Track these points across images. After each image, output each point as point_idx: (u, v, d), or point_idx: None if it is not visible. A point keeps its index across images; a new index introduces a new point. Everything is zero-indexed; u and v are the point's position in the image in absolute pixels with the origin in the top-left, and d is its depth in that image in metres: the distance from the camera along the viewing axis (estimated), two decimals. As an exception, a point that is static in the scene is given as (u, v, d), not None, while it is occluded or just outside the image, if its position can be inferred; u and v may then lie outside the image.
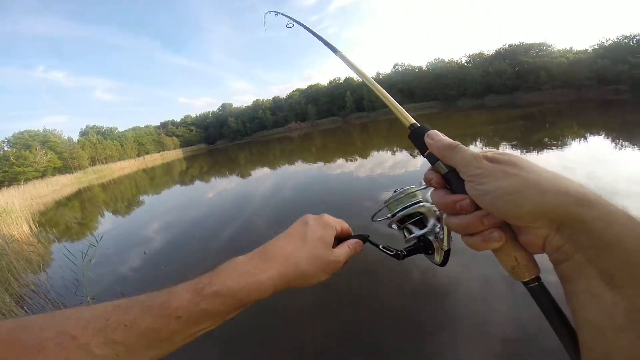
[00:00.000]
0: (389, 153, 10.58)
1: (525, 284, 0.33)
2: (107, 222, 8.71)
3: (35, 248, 5.31)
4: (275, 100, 69.20)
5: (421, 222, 0.48)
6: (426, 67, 48.57)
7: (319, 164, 11.00)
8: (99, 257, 4.21)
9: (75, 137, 52.25)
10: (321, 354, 2.14)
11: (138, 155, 58.41)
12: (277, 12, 1.02)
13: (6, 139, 40.10)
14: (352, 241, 0.50)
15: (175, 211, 8.18)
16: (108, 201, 13.81)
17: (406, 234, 0.49)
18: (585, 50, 30.11)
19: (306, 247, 0.44)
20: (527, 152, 7.18)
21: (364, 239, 0.51)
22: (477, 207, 0.33)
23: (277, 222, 5.20)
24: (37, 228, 6.95)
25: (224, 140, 67.63)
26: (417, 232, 0.47)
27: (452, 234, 0.42)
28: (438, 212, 0.47)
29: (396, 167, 7.64)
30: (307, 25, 0.81)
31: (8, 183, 28.68)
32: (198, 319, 0.35)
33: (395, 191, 0.50)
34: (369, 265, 2.94)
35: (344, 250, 0.47)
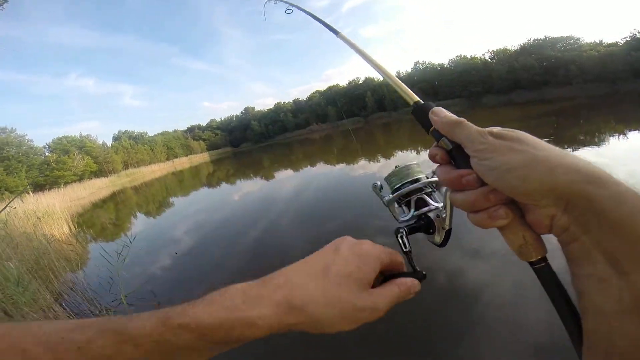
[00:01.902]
0: (413, 153, 10.35)
1: (532, 264, 0.32)
2: (139, 223, 9.09)
3: (73, 248, 5.62)
4: (296, 102, 69.83)
5: (422, 200, 0.45)
6: (448, 64, 47.10)
7: (341, 165, 10.93)
8: (132, 257, 4.35)
9: (108, 142, 55.11)
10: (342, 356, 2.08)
11: (167, 159, 60.75)
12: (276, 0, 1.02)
13: (47, 144, 42.73)
14: (404, 281, 0.37)
15: (203, 212, 8.39)
16: (140, 203, 14.42)
17: (405, 211, 0.47)
18: (617, 42, 28.51)
19: (325, 284, 0.33)
20: (561, 149, 6.72)
21: (421, 277, 0.39)
22: (483, 184, 0.31)
23: (301, 223, 5.20)
24: (75, 229, 7.34)
25: (248, 143, 69.07)
26: (418, 210, 0.45)
27: (456, 213, 0.40)
28: (442, 189, 0.44)
29: (421, 166, 7.44)
30: (307, 10, 0.80)
31: (49, 186, 30.52)
32: (164, 350, 0.29)
33: (396, 167, 0.48)
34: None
35: (388, 293, 0.35)
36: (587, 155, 5.92)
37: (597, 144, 6.91)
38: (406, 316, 2.27)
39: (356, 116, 55.09)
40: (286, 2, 0.92)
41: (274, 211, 6.38)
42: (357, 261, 0.35)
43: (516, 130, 0.31)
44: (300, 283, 0.33)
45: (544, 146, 0.29)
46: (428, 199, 0.45)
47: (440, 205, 0.44)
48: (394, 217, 0.49)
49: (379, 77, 0.50)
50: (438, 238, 0.44)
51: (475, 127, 0.33)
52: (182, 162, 55.81)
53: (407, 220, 0.46)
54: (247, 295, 0.32)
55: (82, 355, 0.28)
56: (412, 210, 0.45)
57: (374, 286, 0.36)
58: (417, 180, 0.45)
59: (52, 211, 7.36)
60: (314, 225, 4.94)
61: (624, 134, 7.46)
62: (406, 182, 0.46)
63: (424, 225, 0.44)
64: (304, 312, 0.32)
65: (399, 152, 11.05)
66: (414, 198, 0.46)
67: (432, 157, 0.37)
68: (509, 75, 35.93)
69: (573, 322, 0.29)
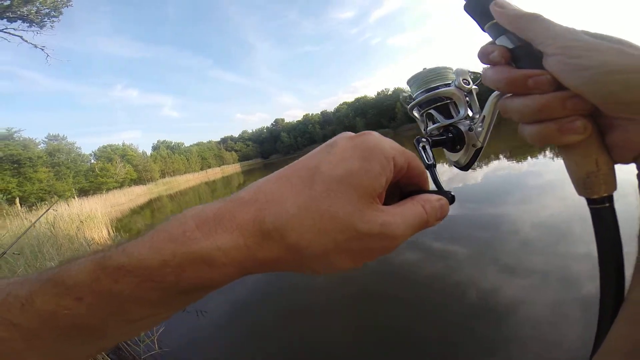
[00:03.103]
0: (444, 166, 10.00)
1: (594, 202, 0.25)
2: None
3: (111, 250, 5.89)
4: (324, 114, 70.86)
5: (448, 109, 0.37)
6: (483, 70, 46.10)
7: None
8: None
9: (148, 151, 58.54)
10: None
11: (201, 169, 63.41)
12: None
13: (93, 152, 46.13)
14: (430, 197, 0.25)
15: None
16: (174, 210, 15.04)
17: (427, 124, 0.39)
18: None
19: (311, 196, 0.21)
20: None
21: (450, 198, 0.27)
22: (559, 89, 0.24)
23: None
24: (114, 232, 7.75)
25: (278, 154, 70.76)
26: (447, 119, 0.36)
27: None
28: (474, 101, 0.37)
29: (453, 180, 7.14)
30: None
31: (93, 192, 32.66)
32: (109, 303, 0.20)
33: (424, 68, 0.39)
34: (418, 282, 2.67)
35: (409, 212, 0.23)
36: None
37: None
38: (433, 330, 2.13)
39: (385, 128, 54.69)
40: None
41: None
42: (358, 160, 0.22)
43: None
44: (276, 197, 0.22)
45: None
46: (462, 105, 0.37)
47: (476, 115, 0.36)
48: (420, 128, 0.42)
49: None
50: (464, 158, 0.36)
51: (558, 23, 0.25)
52: (215, 173, 57.93)
53: (430, 132, 0.38)
54: (201, 218, 0.21)
55: (25, 313, 0.21)
56: (441, 118, 0.38)
57: (386, 204, 0.24)
58: (448, 84, 0.37)
59: (93, 215, 7.84)
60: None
61: None
62: (435, 87, 0.37)
63: (450, 138, 0.36)
64: (281, 240, 0.21)
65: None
66: (438, 105, 0.38)
67: (485, 55, 0.28)
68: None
69: (613, 300, 0.24)
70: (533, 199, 4.45)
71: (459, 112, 0.37)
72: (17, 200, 6.55)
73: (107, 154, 45.64)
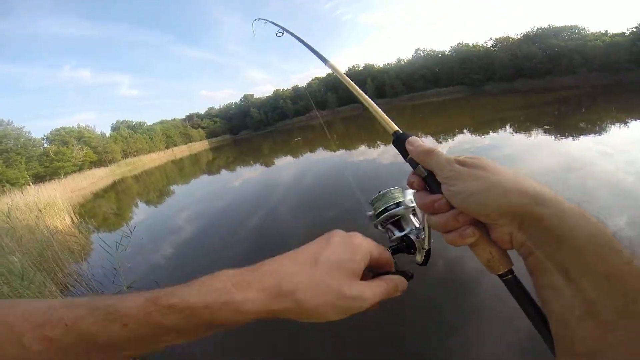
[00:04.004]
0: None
1: (500, 276, 0.35)
2: (140, 213, 9.13)
3: (76, 239, 5.64)
4: (295, 89, 68.95)
5: (400, 224, 0.49)
6: (450, 51, 46.22)
7: (340, 152, 10.89)
8: (135, 247, 4.40)
9: (107, 132, 54.77)
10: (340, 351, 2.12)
11: (167, 148, 60.44)
12: (267, 20, 1.00)
13: (45, 136, 42.31)
14: (393, 277, 0.39)
15: (204, 201, 8.43)
16: (141, 192, 14.46)
17: (389, 235, 0.50)
18: (622, 33, 27.62)
19: (314, 272, 0.33)
20: (561, 136, 6.82)
21: (409, 276, 0.41)
22: (452, 207, 0.35)
23: (300, 210, 5.24)
24: (77, 219, 7.39)
25: (248, 130, 68.59)
26: (400, 232, 0.48)
27: (433, 234, 0.44)
28: (419, 213, 0.48)
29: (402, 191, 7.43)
30: (297, 34, 0.81)
31: (49, 177, 30.44)
32: (151, 331, 0.29)
33: (379, 192, 0.51)
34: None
35: (377, 286, 0.36)
36: (588, 143, 6.00)
37: (599, 132, 6.93)
38: (409, 301, 2.32)
39: (355, 103, 54.45)
40: (277, 25, 0.90)
41: (273, 198, 6.41)
42: (347, 252, 0.36)
43: (479, 157, 0.35)
44: (290, 271, 0.33)
45: (500, 171, 0.33)
46: (410, 219, 0.48)
47: (420, 226, 0.47)
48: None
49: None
50: (419, 257, 0.46)
51: (444, 155, 0.37)
52: (182, 151, 55.63)
53: (391, 242, 0.49)
54: (236, 279, 0.32)
55: (70, 333, 0.28)
56: (396, 231, 0.48)
57: (363, 279, 0.37)
58: (398, 204, 0.48)
59: (53, 202, 7.39)
60: (313, 212, 4.97)
61: (625, 123, 7.42)
62: (389, 206, 0.49)
63: (405, 246, 0.47)
64: (292, 298, 0.32)
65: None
66: (394, 221, 0.49)
67: (410, 185, 0.41)
68: (511, 62, 35.36)
69: (543, 326, 0.32)
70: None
71: (408, 225, 0.48)
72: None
73: (61, 137, 42.08)
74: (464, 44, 45.35)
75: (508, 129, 8.97)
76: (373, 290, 0.35)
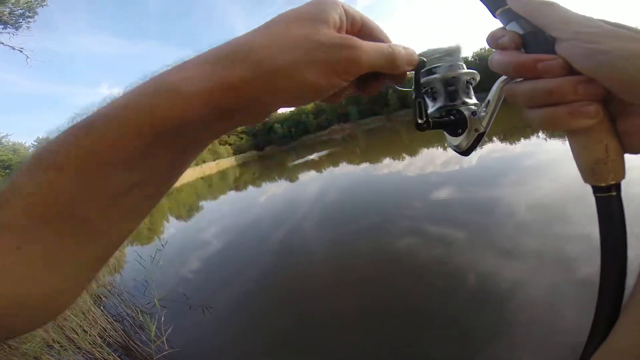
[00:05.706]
0: (440, 149, 10.03)
1: (601, 190, 0.24)
2: (171, 227, 9.45)
3: (112, 252, 5.89)
4: (317, 103, 69.98)
5: (456, 93, 0.36)
6: (472, 57, 45.83)
7: (364, 165, 10.81)
8: (165, 260, 4.53)
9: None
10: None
11: (196, 164, 62.91)
12: None
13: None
14: (399, 45, 0.29)
15: (231, 216, 8.61)
16: (172, 207, 15.00)
17: (430, 103, 0.37)
18: None
19: (271, 30, 0.24)
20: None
21: (421, 63, 0.31)
22: (571, 74, 0.24)
23: (326, 225, 5.20)
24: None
25: (272, 146, 70.15)
26: (451, 101, 0.35)
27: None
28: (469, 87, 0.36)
29: (449, 163, 7.19)
30: None
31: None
32: (89, 170, 0.21)
33: (428, 49, 0.36)
34: (417, 268, 2.74)
35: (373, 43, 0.26)
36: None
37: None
38: (434, 318, 2.19)
39: (378, 114, 54.40)
40: None
41: (299, 213, 6.41)
42: (311, 5, 0.25)
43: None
44: (242, 38, 0.24)
45: None
46: (466, 91, 0.36)
47: (476, 102, 0.35)
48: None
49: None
50: (465, 142, 0.35)
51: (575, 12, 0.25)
52: (210, 167, 57.52)
53: (432, 112, 0.37)
54: (180, 62, 0.23)
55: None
56: (442, 100, 0.36)
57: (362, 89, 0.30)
58: (455, 66, 0.36)
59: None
60: (339, 226, 4.91)
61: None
62: (439, 67, 0.36)
63: (452, 121, 0.35)
64: (247, 58, 0.22)
65: (425, 149, 10.75)
66: (447, 88, 0.36)
67: (495, 39, 0.28)
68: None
69: (614, 291, 0.23)
70: (527, 180, 4.52)
71: (459, 97, 0.36)
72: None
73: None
74: (486, 49, 44.67)
75: (541, 134, 8.55)
76: (368, 43, 0.26)
